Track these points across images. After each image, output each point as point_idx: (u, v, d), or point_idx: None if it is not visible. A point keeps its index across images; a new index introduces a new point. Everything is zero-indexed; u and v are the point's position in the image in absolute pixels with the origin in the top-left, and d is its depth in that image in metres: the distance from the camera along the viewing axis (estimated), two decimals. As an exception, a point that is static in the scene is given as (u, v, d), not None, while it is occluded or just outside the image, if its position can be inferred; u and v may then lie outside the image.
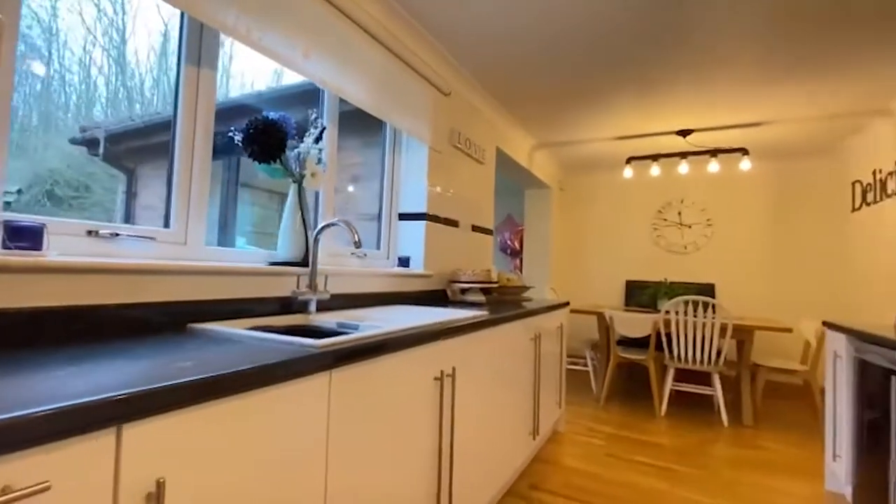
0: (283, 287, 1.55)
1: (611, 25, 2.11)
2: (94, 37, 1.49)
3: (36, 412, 0.50)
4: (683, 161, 3.54)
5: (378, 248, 2.41)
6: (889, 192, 3.02)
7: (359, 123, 2.36)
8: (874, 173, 3.25)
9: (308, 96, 2.05)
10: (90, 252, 1.15)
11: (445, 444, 1.38)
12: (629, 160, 3.75)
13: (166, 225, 1.39)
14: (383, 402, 1.10)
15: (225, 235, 2.00)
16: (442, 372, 1.35)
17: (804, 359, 3.31)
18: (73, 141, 1.59)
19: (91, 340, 0.93)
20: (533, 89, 2.87)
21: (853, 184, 3.62)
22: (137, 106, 1.74)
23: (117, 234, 1.22)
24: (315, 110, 1.77)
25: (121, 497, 0.57)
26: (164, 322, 1.16)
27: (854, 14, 1.93)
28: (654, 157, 3.66)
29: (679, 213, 4.51)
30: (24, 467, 0.49)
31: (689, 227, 4.47)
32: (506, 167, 3.77)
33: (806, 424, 3.13)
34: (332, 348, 0.94)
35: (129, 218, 1.76)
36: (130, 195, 1.80)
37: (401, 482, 1.18)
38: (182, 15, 1.41)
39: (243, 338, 1.04)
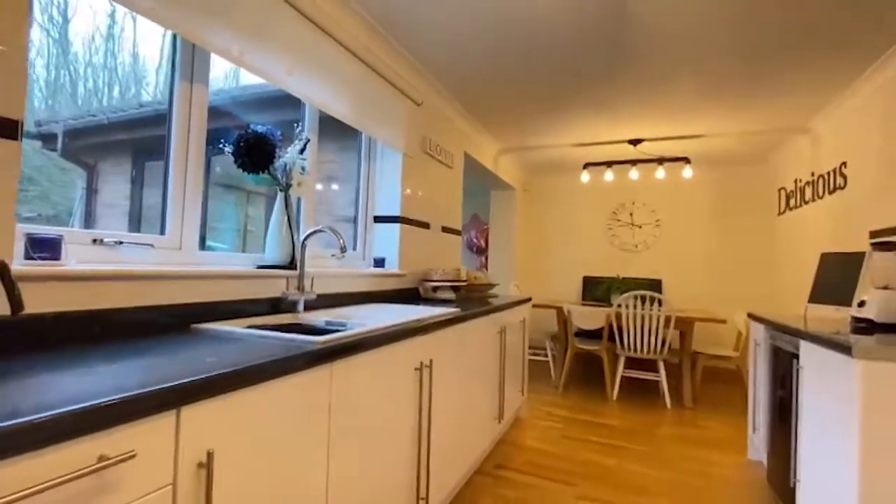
0: (272, 289, 1.67)
1: (571, 46, 2.33)
2: (32, 14, 1.46)
3: (122, 397, 0.63)
4: (634, 168, 3.86)
5: (354, 249, 2.54)
6: (806, 198, 3.44)
7: (335, 129, 2.47)
8: (795, 182, 3.68)
9: (281, 101, 2.13)
10: (96, 259, 1.24)
11: (424, 426, 1.56)
12: (586, 165, 4.03)
13: (133, 227, 1.49)
14: (373, 389, 1.27)
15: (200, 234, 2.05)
16: (421, 363, 1.52)
17: (737, 346, 3.72)
18: (27, 135, 1.60)
19: (109, 341, 1.03)
20: (500, 100, 3.08)
21: (779, 190, 4.07)
22: (81, 88, 1.66)
23: (121, 242, 1.31)
24: (299, 124, 1.89)
25: (180, 464, 0.71)
26: (170, 323, 1.27)
27: (777, 46, 2.25)
28: (609, 164, 3.96)
29: (631, 215, 4.87)
30: (111, 441, 0.63)
31: (640, 227, 4.84)
32: (473, 170, 3.97)
33: (737, 405, 3.53)
34: (332, 344, 1.09)
35: (89, 215, 1.75)
36: (91, 192, 1.83)
37: (388, 458, 1.35)
38: (174, 37, 1.50)
39: (246, 336, 1.17)
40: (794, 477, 1.87)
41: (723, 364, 3.81)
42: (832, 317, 2.37)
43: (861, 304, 2.13)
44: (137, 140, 1.88)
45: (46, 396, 0.62)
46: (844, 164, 2.85)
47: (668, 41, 2.22)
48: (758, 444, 2.43)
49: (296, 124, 1.85)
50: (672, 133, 3.57)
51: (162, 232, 1.49)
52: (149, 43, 1.78)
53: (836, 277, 2.54)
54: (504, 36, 2.23)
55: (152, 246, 1.40)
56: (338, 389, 1.12)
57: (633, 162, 3.85)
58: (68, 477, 0.57)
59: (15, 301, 0.82)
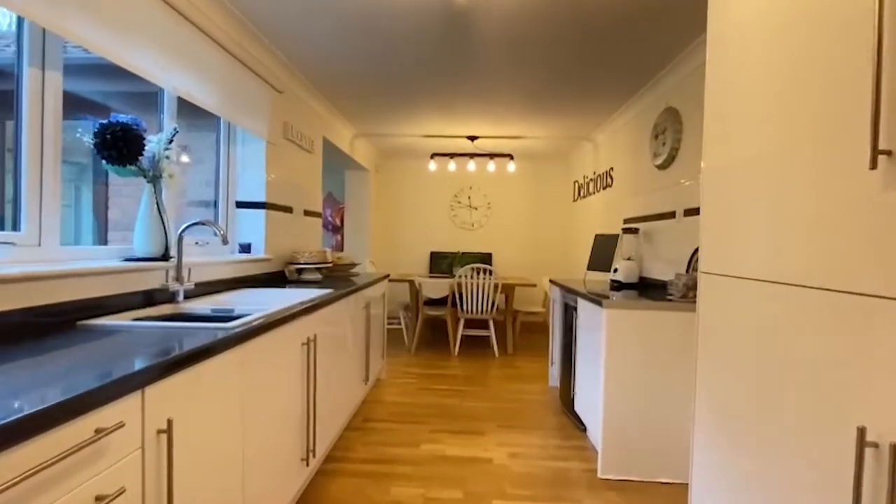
0: (145, 281, 1.69)
1: (418, 52, 2.71)
2: None
3: (109, 381, 0.81)
4: (472, 160, 4.53)
5: (215, 234, 2.55)
6: (590, 191, 4.58)
7: (185, 107, 2.40)
8: (584, 177, 4.82)
9: (112, 70, 1.88)
10: (-43, 262, 1.18)
11: (311, 390, 1.85)
12: (433, 156, 4.55)
13: (16, 228, 1.41)
14: (272, 363, 1.51)
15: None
16: (308, 338, 1.79)
17: (543, 304, 4.79)
18: None
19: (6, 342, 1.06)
20: (356, 90, 3.31)
21: (574, 182, 5.25)
22: None
23: (-20, 242, 1.25)
24: (158, 110, 1.87)
25: (146, 430, 0.91)
26: (51, 323, 1.28)
27: (568, 78, 3.01)
28: (451, 155, 4.55)
29: (469, 198, 5.64)
30: (104, 416, 0.81)
31: (476, 208, 5.65)
32: (329, 152, 4.12)
33: (544, 348, 4.60)
34: (241, 329, 1.30)
35: None
36: None
37: (285, 419, 1.61)
38: (20, 19, 1.39)
39: (144, 328, 1.29)
40: (573, 391, 2.73)
41: (534, 318, 4.87)
42: (601, 279, 3.36)
43: (615, 270, 3.11)
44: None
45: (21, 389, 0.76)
46: (612, 168, 3.93)
47: (494, 64, 2.79)
48: (555, 375, 3.34)
49: (164, 118, 1.83)
50: (500, 133, 4.31)
51: (16, 228, 1.41)
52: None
53: (603, 251, 3.57)
54: (360, 33, 2.43)
55: (14, 244, 1.35)
56: (247, 365, 1.34)
57: (471, 155, 4.50)
58: (84, 442, 0.75)
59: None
